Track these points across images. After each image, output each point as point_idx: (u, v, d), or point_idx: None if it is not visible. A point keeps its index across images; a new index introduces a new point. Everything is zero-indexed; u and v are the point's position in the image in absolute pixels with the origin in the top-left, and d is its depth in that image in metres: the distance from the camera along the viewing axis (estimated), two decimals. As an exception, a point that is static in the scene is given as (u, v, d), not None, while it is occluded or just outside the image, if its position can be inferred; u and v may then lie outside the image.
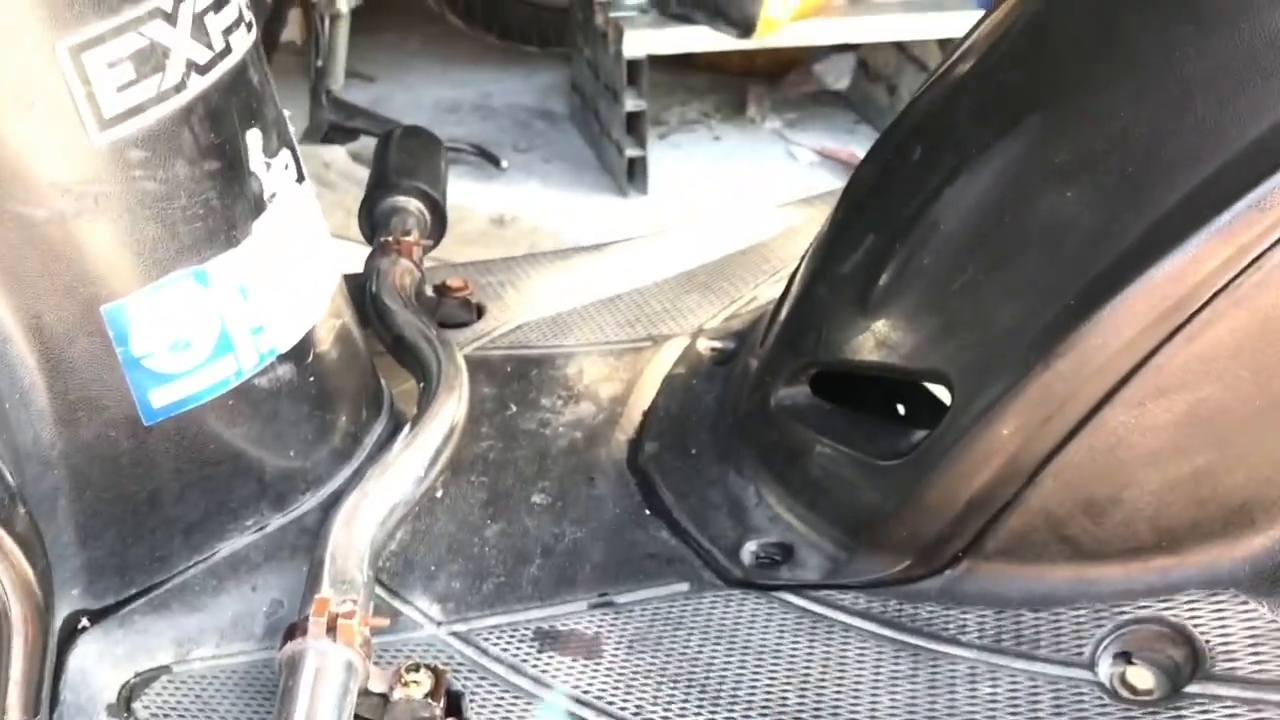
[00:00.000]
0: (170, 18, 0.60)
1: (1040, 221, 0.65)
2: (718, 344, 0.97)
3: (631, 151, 2.53)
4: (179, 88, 0.61)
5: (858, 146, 2.89)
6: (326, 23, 2.47)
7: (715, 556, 0.76)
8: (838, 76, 3.20)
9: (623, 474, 0.85)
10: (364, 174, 2.65)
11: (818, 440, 0.76)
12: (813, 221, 1.15)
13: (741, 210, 1.23)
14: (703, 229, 1.18)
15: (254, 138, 0.67)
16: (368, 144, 2.59)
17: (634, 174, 2.57)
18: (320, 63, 2.49)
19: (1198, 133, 0.60)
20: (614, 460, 0.86)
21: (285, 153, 0.71)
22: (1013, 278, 0.66)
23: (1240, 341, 0.60)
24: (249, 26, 0.68)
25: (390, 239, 1.03)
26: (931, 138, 0.74)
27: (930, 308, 0.70)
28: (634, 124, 2.51)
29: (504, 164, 2.66)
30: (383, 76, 3.19)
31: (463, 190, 2.54)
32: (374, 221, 1.08)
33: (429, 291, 1.05)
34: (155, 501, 0.69)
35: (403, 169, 1.14)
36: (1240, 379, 0.60)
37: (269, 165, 0.69)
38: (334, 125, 2.52)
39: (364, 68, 3.12)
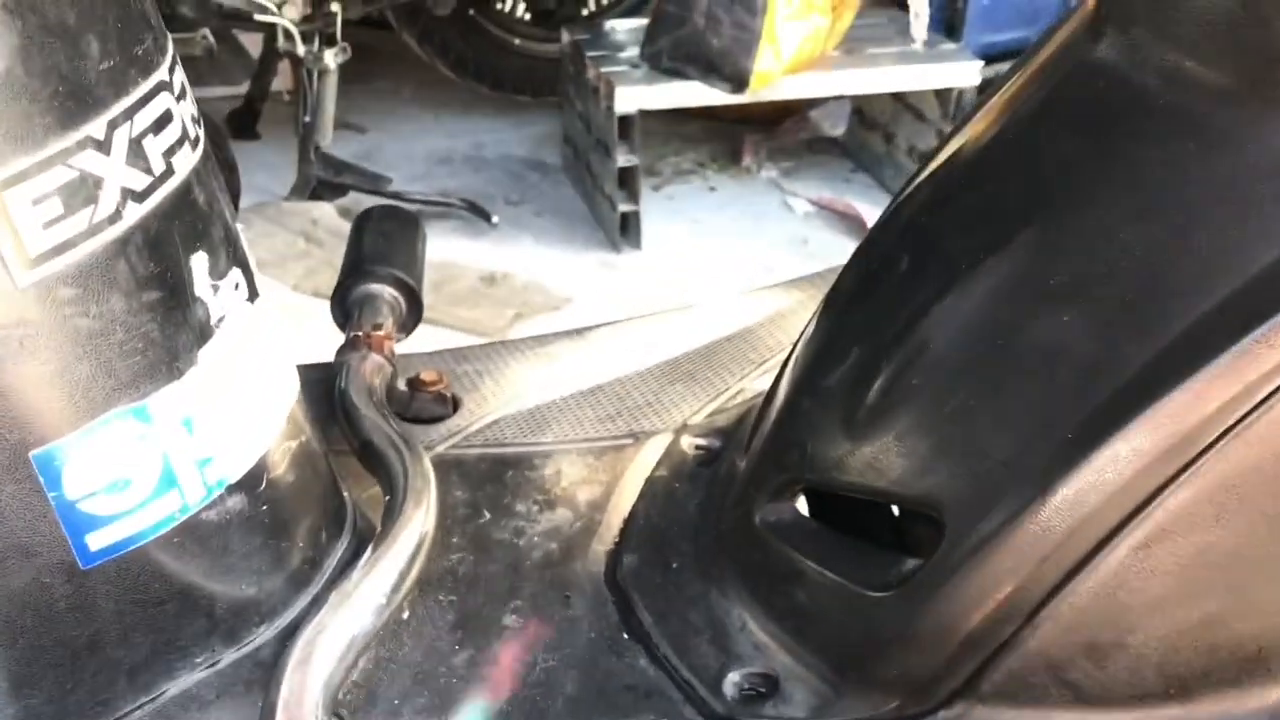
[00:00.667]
0: (103, 145, 0.56)
1: (1035, 346, 0.61)
2: (702, 442, 0.93)
3: (624, 207, 2.50)
4: (113, 218, 0.57)
5: (854, 196, 2.86)
6: (314, 78, 2.44)
7: (696, 689, 0.71)
8: (834, 123, 3.18)
9: (600, 591, 0.80)
10: (353, 231, 2.63)
11: (804, 564, 0.72)
12: (801, 306, 1.12)
13: (727, 293, 1.19)
14: (687, 313, 1.14)
15: (199, 261, 0.63)
16: (357, 199, 2.56)
17: (627, 229, 2.54)
18: (308, 118, 2.46)
19: (1202, 259, 0.56)
20: (591, 575, 0.82)
21: (235, 271, 0.67)
22: (1007, 405, 0.62)
23: (1252, 483, 0.55)
24: (195, 143, 0.64)
25: (361, 333, 0.99)
26: (919, 248, 0.70)
27: (920, 432, 0.66)
28: (626, 179, 2.48)
29: (495, 219, 2.64)
30: (374, 127, 3.16)
31: (453, 247, 2.51)
32: (346, 310, 1.05)
33: (401, 385, 1.01)
34: (96, 645, 0.65)
35: (377, 254, 1.10)
36: (1252, 522, 0.56)
37: (216, 288, 0.65)
38: (322, 181, 2.50)
39: (355, 118, 3.10)
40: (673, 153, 3.12)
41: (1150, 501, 0.57)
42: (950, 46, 2.75)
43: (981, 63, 2.66)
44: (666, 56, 2.41)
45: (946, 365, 0.65)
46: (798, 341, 0.83)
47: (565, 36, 2.74)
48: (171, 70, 0.63)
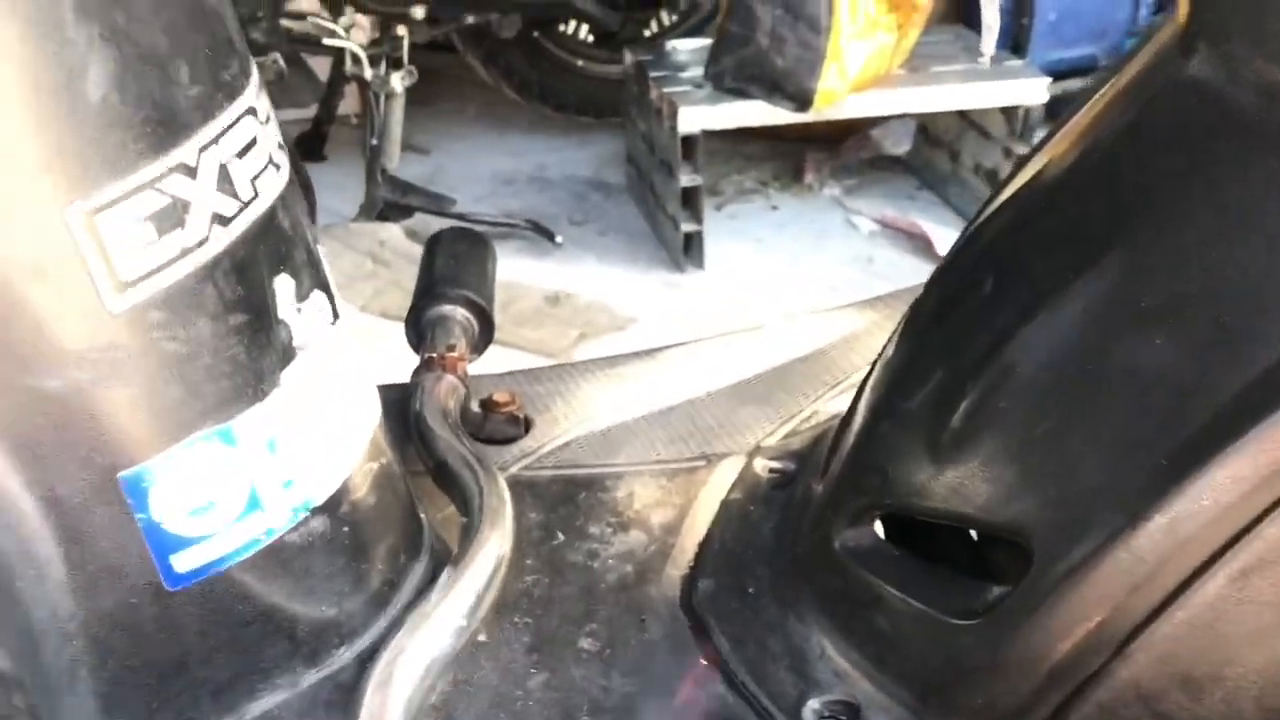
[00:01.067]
0: (192, 171, 0.57)
1: (1126, 371, 0.60)
2: (776, 465, 0.92)
3: (687, 227, 2.50)
4: (201, 243, 0.58)
5: (918, 214, 2.84)
6: (381, 101, 2.47)
7: (775, 717, 0.71)
8: (897, 141, 3.16)
9: (676, 616, 0.80)
10: (419, 251, 2.66)
11: (885, 590, 0.71)
12: (874, 327, 1.11)
13: (799, 314, 1.18)
14: (757, 334, 1.13)
15: (284, 284, 0.64)
16: (423, 221, 2.59)
17: (690, 248, 2.54)
18: (375, 141, 2.49)
19: (1301, 280, 0.55)
20: (666, 599, 0.81)
21: (318, 294, 0.68)
22: (1098, 431, 0.60)
23: (1357, 511, 0.54)
24: (279, 167, 0.65)
25: (435, 354, 1.00)
26: (1002, 270, 0.69)
27: (1007, 457, 0.64)
28: (689, 199, 2.48)
29: (559, 239, 2.65)
30: (439, 149, 3.19)
31: (517, 267, 2.52)
32: (420, 332, 1.05)
33: (475, 406, 1.02)
34: (182, 666, 0.66)
35: (449, 276, 1.11)
36: (1358, 552, 0.54)
37: (300, 310, 0.65)
38: (389, 203, 2.52)
39: (420, 140, 3.14)
40: (735, 171, 3.11)
41: (1249, 530, 0.55)
42: (1016, 63, 2.72)
43: (1048, 80, 2.63)
44: (730, 76, 2.41)
45: (1034, 389, 0.64)
46: (875, 364, 0.82)
47: (628, 58, 2.75)
48: (257, 96, 0.64)
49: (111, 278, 0.55)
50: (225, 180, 0.60)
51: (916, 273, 2.63)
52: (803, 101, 2.37)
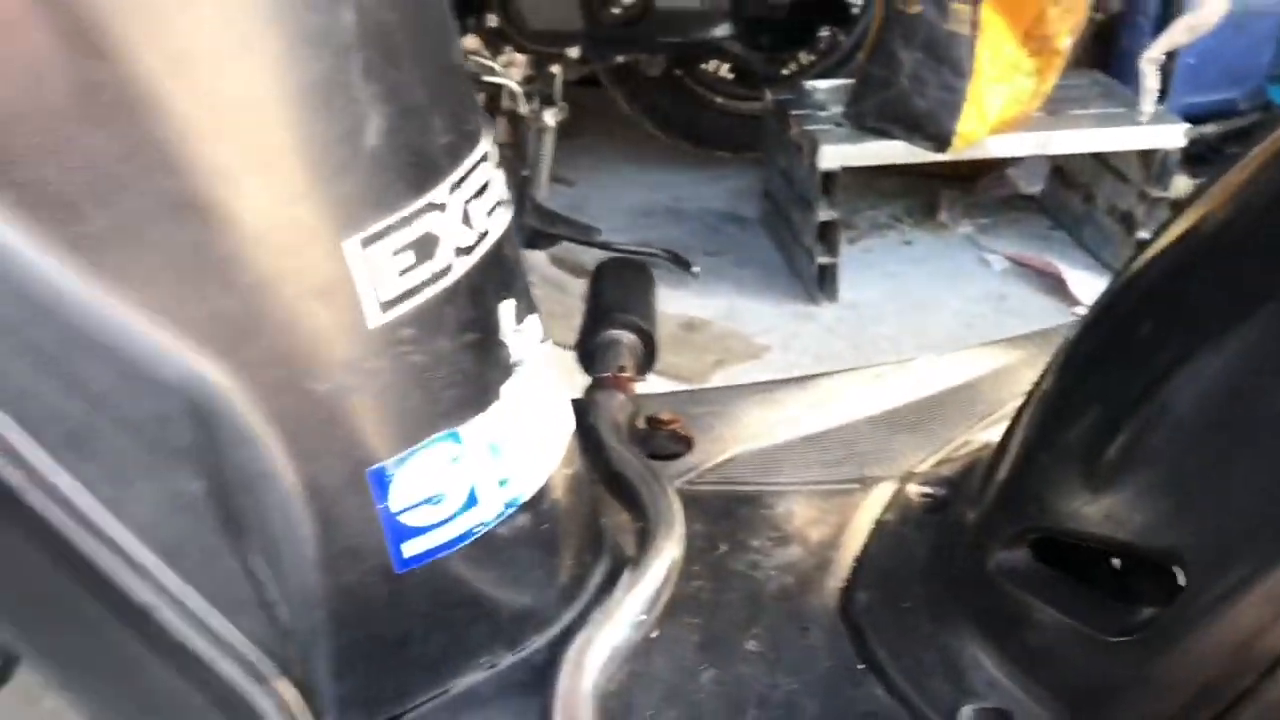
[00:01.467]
0: (442, 208, 0.66)
1: (1286, 409, 0.64)
2: (928, 490, 0.98)
3: (823, 259, 2.56)
4: (446, 271, 0.67)
5: (1052, 254, 2.85)
6: (533, 134, 2.59)
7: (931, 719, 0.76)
8: (1031, 181, 3.17)
9: (835, 624, 0.86)
10: (565, 278, 2.76)
11: (1039, 608, 0.76)
12: (1023, 364, 1.15)
13: (948, 349, 1.23)
14: (908, 366, 1.19)
15: (506, 308, 0.73)
16: (569, 249, 2.69)
17: (824, 281, 2.60)
18: (525, 172, 2.60)
19: None
20: (825, 609, 0.87)
21: (531, 317, 0.76)
22: (1254, 467, 0.65)
23: None
24: (505, 204, 0.74)
25: (608, 374, 1.08)
26: (1161, 312, 0.74)
27: (1163, 489, 0.69)
28: (826, 232, 2.54)
29: (695, 269, 2.73)
30: (581, 181, 3.31)
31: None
32: (591, 354, 1.14)
33: (640, 424, 1.09)
34: (402, 641, 0.74)
35: (617, 303, 1.19)
36: None
37: (518, 331, 0.74)
38: (536, 231, 2.63)
39: (564, 172, 3.25)
40: (868, 206, 3.16)
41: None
42: (1155, 108, 2.72)
43: (1186, 125, 2.62)
44: (871, 116, 2.47)
45: (1192, 426, 0.68)
46: (1029, 397, 0.87)
47: (769, 96, 2.83)
48: (490, 143, 0.72)
49: (375, 299, 0.64)
50: (466, 216, 0.68)
51: (1049, 311, 2.65)
52: (942, 142, 2.41)
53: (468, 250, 0.68)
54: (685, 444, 1.09)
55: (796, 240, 2.69)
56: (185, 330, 0.57)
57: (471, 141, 0.70)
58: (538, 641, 0.80)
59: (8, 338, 0.56)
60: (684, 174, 3.33)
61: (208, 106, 0.56)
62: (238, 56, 0.56)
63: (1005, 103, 2.46)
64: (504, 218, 0.73)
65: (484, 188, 0.70)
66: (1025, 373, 1.10)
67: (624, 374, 1.09)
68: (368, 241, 0.62)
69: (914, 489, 0.98)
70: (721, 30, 2.76)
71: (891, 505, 0.97)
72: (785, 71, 3.23)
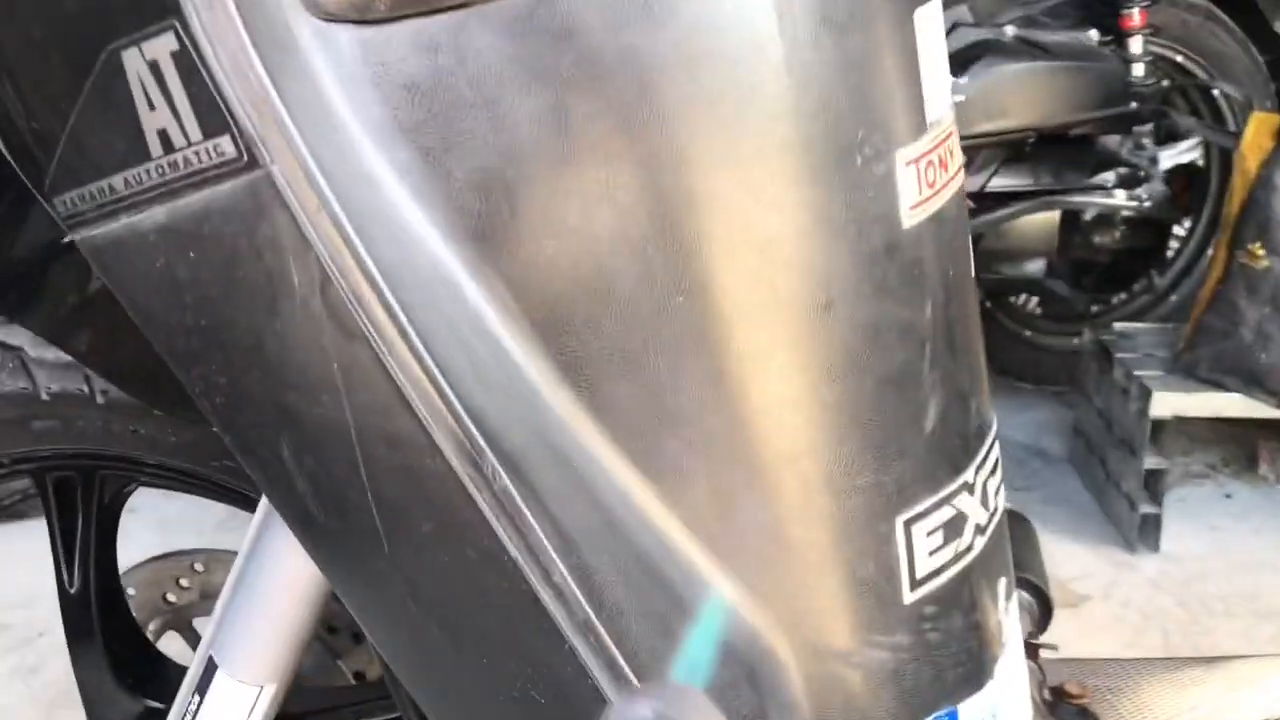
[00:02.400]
0: (971, 488, 0.68)
1: None
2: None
3: (1146, 508, 2.45)
4: (968, 549, 0.68)
5: (1394, 519, 2.64)
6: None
7: None
8: (1366, 438, 2.97)
9: None
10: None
11: None
12: None
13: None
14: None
15: (1002, 585, 0.73)
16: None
17: (1145, 530, 2.48)
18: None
19: None
20: None
21: (1014, 594, 0.76)
22: None
23: None
24: (1001, 482, 0.75)
25: (1017, 639, 1.06)
26: None
27: None
28: (1151, 481, 2.44)
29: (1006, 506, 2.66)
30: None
31: (964, 529, 2.54)
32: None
33: (1045, 694, 1.06)
34: None
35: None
36: None
37: (1008, 609, 0.74)
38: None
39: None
40: (1180, 452, 3.02)
41: None
42: None
43: None
44: (1206, 366, 2.39)
45: None
46: None
47: (1087, 334, 2.79)
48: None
49: (909, 577, 0.65)
50: (984, 494, 0.70)
51: None
52: (1285, 397, 2.31)
53: (983, 529, 0.70)
54: (1092, 720, 1.05)
55: (1114, 484, 2.59)
56: (758, 602, 0.60)
57: (990, 422, 0.72)
58: None
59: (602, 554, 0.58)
60: (982, 403, 3.29)
61: (794, 395, 0.60)
62: (832, 343, 0.60)
63: (1355, 360, 2.33)
64: (1003, 491, 0.74)
65: (995, 464, 0.72)
66: None
67: (1031, 640, 1.07)
68: (911, 521, 0.65)
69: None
70: (1042, 269, 2.77)
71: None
72: (1095, 309, 3.19)
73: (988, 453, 0.71)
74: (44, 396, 0.88)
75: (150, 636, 1.18)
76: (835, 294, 0.58)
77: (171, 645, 1.20)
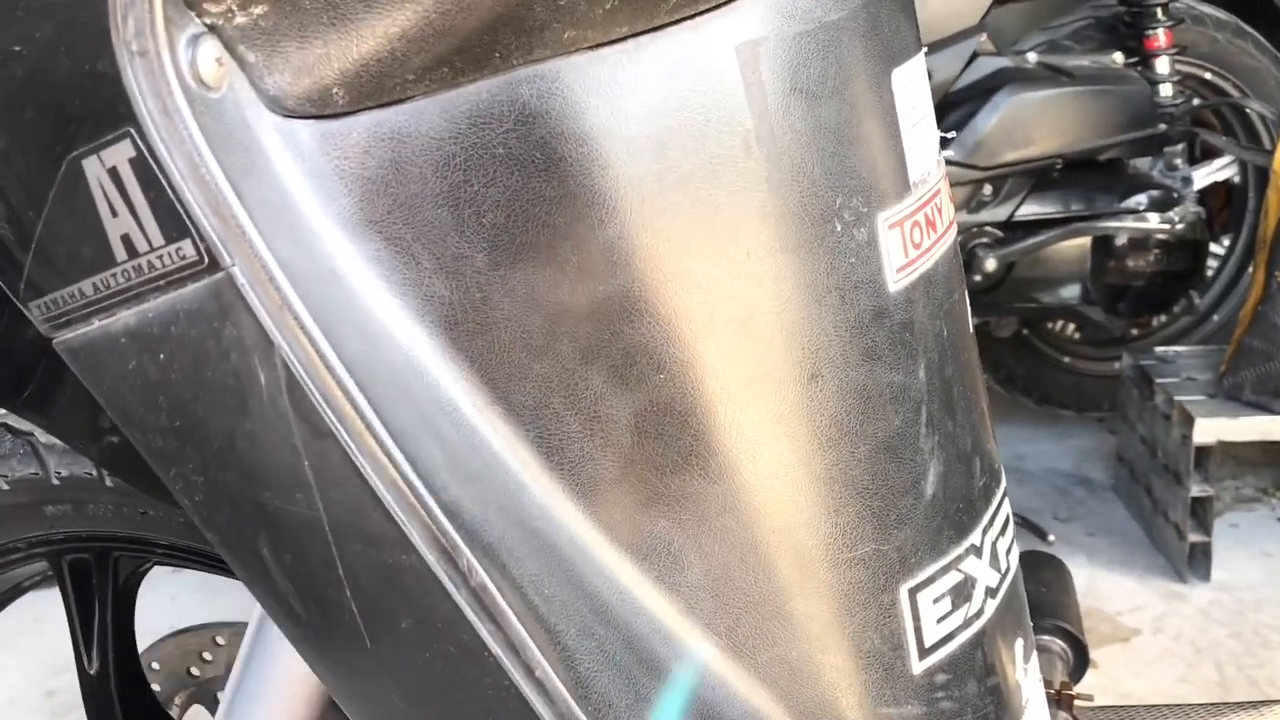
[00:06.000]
0: (978, 551, 0.66)
1: None
2: None
3: (1195, 537, 2.40)
4: (978, 614, 0.66)
5: None
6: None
7: None
8: None
9: None
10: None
11: None
12: None
13: None
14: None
15: (1019, 648, 0.71)
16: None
17: (1195, 559, 2.43)
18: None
19: None
20: None
21: (1034, 655, 0.74)
22: None
23: None
24: (1013, 541, 0.73)
25: (1051, 690, 1.03)
26: None
27: None
28: (1198, 508, 2.39)
29: (1050, 537, 2.61)
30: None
31: (1008, 564, 2.50)
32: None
33: (1081, 745, 1.03)
34: None
35: (1042, 605, 1.15)
36: None
37: (1026, 671, 0.72)
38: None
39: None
40: (1228, 476, 2.96)
41: None
42: None
43: None
44: (1249, 389, 2.34)
45: None
46: None
47: (1127, 359, 2.74)
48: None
49: (917, 646, 0.63)
50: (993, 556, 0.68)
51: None
52: (1331, 419, 2.25)
53: (994, 591, 0.68)
54: (1131, 771, 1.02)
55: (1160, 513, 2.54)
56: (759, 681, 0.59)
57: (998, 480, 0.70)
58: None
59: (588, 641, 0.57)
60: (1024, 430, 3.24)
61: (786, 468, 0.59)
62: (822, 413, 0.59)
63: (1404, 377, 2.27)
64: (1015, 553, 0.72)
65: (1006, 523, 0.70)
66: None
67: (1066, 690, 1.04)
68: (917, 589, 0.63)
69: None
70: (1078, 295, 2.73)
71: None
72: (1135, 332, 3.14)
73: (995, 512, 0.69)
74: (55, 481, 0.89)
75: (176, 710, 1.18)
76: (822, 364, 0.57)
77: None
